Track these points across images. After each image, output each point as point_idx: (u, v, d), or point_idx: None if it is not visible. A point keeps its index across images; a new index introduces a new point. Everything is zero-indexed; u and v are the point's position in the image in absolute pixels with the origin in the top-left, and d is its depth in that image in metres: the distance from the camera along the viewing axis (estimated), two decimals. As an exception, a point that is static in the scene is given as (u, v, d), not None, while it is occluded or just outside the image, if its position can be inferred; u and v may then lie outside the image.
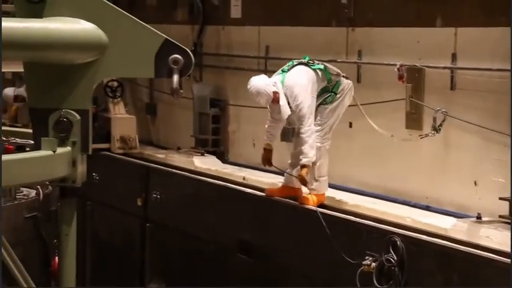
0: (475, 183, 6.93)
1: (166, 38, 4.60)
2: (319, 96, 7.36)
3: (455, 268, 6.09)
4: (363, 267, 6.56)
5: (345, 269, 6.77)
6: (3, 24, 4.34)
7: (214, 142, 10.10)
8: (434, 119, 7.04)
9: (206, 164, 9.47)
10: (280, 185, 7.81)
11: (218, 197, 8.65)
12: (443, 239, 6.35)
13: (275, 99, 7.20)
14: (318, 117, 7.36)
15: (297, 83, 7.25)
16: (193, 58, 4.62)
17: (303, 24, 8.78)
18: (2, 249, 4.48)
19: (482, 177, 6.89)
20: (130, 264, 10.00)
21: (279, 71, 7.48)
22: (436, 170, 7.38)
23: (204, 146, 10.06)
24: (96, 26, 4.55)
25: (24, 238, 5.08)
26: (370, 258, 6.56)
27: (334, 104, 7.42)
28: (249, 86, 7.29)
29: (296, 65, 7.38)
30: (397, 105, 7.60)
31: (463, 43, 7.09)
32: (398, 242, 6.41)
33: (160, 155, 10.29)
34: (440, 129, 7.01)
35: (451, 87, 7.19)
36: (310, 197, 7.41)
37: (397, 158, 7.75)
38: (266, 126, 7.56)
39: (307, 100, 7.20)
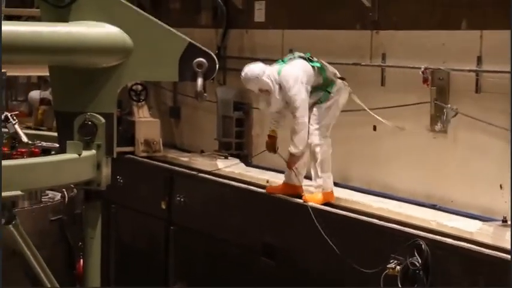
0: (501, 187, 6.88)
1: (191, 42, 4.61)
2: (312, 93, 7.58)
3: (481, 272, 6.04)
4: (387, 271, 6.54)
5: (369, 273, 6.74)
6: (30, 28, 4.38)
7: (238, 145, 10.10)
8: (445, 114, 7.09)
9: (230, 167, 9.48)
10: (289, 183, 7.91)
11: (241, 200, 8.65)
12: (468, 243, 6.31)
13: (268, 90, 7.44)
14: (315, 116, 7.56)
15: (293, 75, 7.47)
16: (217, 61, 4.62)
17: (326, 28, 8.76)
18: (28, 252, 4.52)
19: (508, 180, 6.81)
20: (154, 267, 10.02)
21: (279, 60, 7.71)
22: (461, 173, 7.33)
23: (228, 149, 10.07)
24: (121, 30, 4.58)
25: (50, 241, 5.10)
26: (395, 262, 6.53)
27: (328, 103, 7.61)
28: (243, 72, 7.55)
29: (297, 57, 7.60)
30: (421, 108, 7.56)
31: (488, 46, 7.04)
32: (423, 246, 6.38)
33: (184, 158, 10.31)
34: (448, 123, 7.11)
35: (476, 90, 7.15)
36: (313, 195, 7.56)
37: (422, 161, 7.71)
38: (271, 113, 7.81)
39: (301, 93, 7.43)
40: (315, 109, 7.59)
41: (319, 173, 7.59)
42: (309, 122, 7.55)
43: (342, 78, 7.66)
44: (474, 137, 7.16)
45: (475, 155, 7.19)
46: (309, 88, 7.55)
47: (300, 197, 7.70)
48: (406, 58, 7.78)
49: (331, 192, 7.69)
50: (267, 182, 8.69)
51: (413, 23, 7.78)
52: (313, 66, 7.58)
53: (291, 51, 8.27)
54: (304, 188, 7.84)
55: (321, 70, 7.60)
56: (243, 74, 7.56)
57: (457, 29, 7.31)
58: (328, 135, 7.66)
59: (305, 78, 7.50)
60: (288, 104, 7.49)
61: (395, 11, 8.01)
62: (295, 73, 7.50)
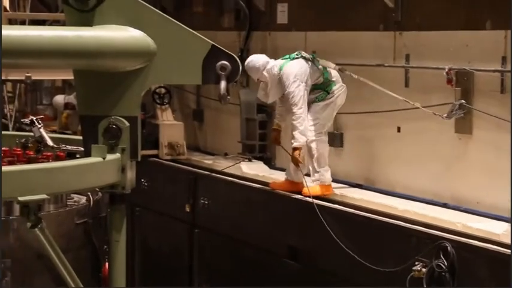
0: (527, 188, 6.81)
1: (214, 45, 4.62)
2: (312, 92, 7.92)
3: (507, 274, 5.98)
4: (413, 273, 6.50)
5: (395, 275, 6.71)
6: (54, 32, 4.41)
7: (261, 148, 10.10)
8: (454, 106, 7.17)
9: (253, 169, 9.47)
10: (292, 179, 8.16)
11: (265, 202, 8.64)
12: (495, 244, 6.26)
13: (265, 82, 7.91)
14: (311, 114, 7.89)
15: (293, 72, 7.86)
16: (240, 64, 4.62)
17: (349, 29, 8.74)
18: (54, 255, 4.54)
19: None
20: (178, 270, 10.04)
21: (286, 56, 8.05)
22: (487, 174, 7.27)
23: (251, 152, 10.06)
24: (145, 34, 4.59)
25: (75, 244, 5.12)
26: (421, 264, 6.49)
27: (326, 102, 7.91)
28: (247, 61, 8.01)
29: (301, 57, 7.93)
30: (445, 109, 7.51)
31: (513, 46, 6.98)
32: (449, 248, 6.33)
33: (208, 160, 10.32)
34: (451, 117, 7.20)
35: (501, 90, 7.09)
36: (311, 188, 7.83)
37: (446, 162, 7.66)
38: (276, 108, 8.24)
39: (299, 91, 7.76)
40: (312, 107, 7.92)
41: (317, 168, 7.93)
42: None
43: (341, 70, 8.01)
44: (499, 138, 7.09)
45: (501, 156, 7.12)
46: (309, 87, 7.89)
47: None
48: (430, 59, 7.74)
49: (329, 185, 8.02)
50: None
51: (437, 23, 7.74)
52: (316, 66, 7.91)
53: (314, 52, 8.30)
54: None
55: (323, 71, 7.94)
56: (246, 62, 8.00)
57: (482, 29, 7.25)
58: (324, 133, 7.97)
59: (304, 77, 7.83)
60: (286, 99, 7.87)
61: (418, 11, 7.97)
62: (295, 71, 7.86)
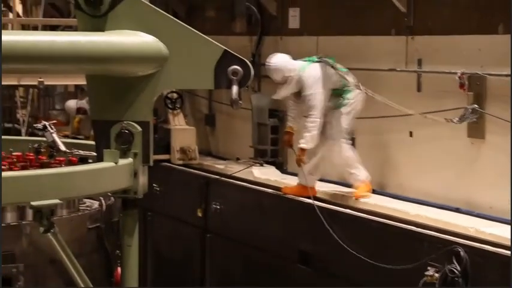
0: (540, 193, 6.78)
1: (226, 49, 4.62)
2: (332, 98, 7.96)
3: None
4: (425, 278, 6.48)
5: (407, 279, 6.68)
6: (67, 38, 4.42)
7: (273, 152, 10.10)
8: (466, 110, 7.14)
9: (265, 174, 9.47)
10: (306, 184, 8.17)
11: (277, 207, 8.63)
12: (508, 250, 6.22)
13: (286, 80, 7.92)
14: (335, 120, 7.92)
15: (314, 75, 7.90)
16: (252, 69, 4.62)
17: (361, 33, 8.73)
18: (66, 260, 4.55)
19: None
20: (190, 275, 10.04)
21: (307, 58, 8.09)
22: (500, 178, 7.24)
23: (263, 157, 10.06)
24: (156, 39, 4.60)
25: (88, 249, 5.13)
26: (433, 269, 6.47)
27: (348, 108, 7.92)
28: (269, 60, 8.05)
29: (322, 61, 7.97)
30: (458, 114, 7.48)
31: (526, 50, 6.95)
32: (461, 253, 6.31)
33: (220, 165, 10.33)
34: (464, 121, 7.19)
35: (514, 94, 7.06)
36: (359, 189, 7.88)
37: (458, 166, 7.64)
38: (288, 110, 8.27)
39: (318, 94, 7.84)
40: (335, 113, 7.94)
41: (351, 170, 7.93)
42: (325, 125, 7.89)
43: (358, 87, 7.96)
44: (512, 142, 7.06)
45: (514, 161, 7.09)
46: (328, 91, 7.93)
47: (338, 203, 7.79)
48: (442, 63, 7.72)
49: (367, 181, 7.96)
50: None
51: (449, 28, 7.72)
52: (336, 71, 7.93)
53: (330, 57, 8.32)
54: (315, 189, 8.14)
55: (342, 76, 7.94)
56: (271, 64, 8.04)
57: (494, 34, 7.23)
58: (347, 137, 7.98)
59: (325, 82, 7.90)
60: (303, 101, 7.93)
61: (430, 16, 7.95)
62: (317, 74, 7.92)
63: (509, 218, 7.04)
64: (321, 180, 8.46)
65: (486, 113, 7.24)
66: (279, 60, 8.06)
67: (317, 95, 7.83)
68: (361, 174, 7.95)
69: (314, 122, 7.80)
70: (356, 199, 7.88)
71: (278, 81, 8.03)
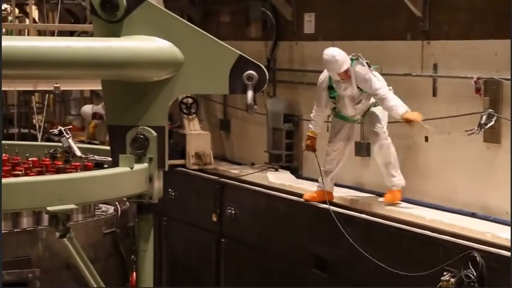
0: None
1: (241, 55, 4.62)
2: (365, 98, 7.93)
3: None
4: (441, 283, 6.46)
5: (424, 285, 6.65)
6: (83, 43, 4.44)
7: (288, 157, 10.09)
8: (481, 118, 7.11)
9: (280, 179, 9.47)
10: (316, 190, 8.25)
11: (292, 212, 8.62)
12: (524, 255, 6.19)
13: (347, 75, 7.75)
14: (377, 117, 7.86)
15: (365, 70, 7.83)
16: (267, 74, 4.62)
17: (377, 38, 8.72)
18: (82, 265, 4.56)
19: None
20: (205, 279, 10.05)
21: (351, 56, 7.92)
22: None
23: (278, 161, 10.06)
24: (172, 44, 4.61)
25: (103, 254, 5.13)
26: (449, 274, 6.45)
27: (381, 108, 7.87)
28: (327, 52, 7.83)
29: (359, 59, 7.88)
30: (474, 118, 7.45)
31: (542, 54, 6.92)
32: (477, 258, 6.28)
33: (235, 170, 10.33)
34: (484, 128, 7.12)
35: (530, 99, 7.03)
36: (390, 195, 7.79)
37: (475, 171, 7.60)
38: (312, 114, 8.16)
39: (375, 77, 7.82)
40: (373, 111, 7.92)
41: (394, 173, 7.79)
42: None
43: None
44: (529, 147, 7.03)
45: (530, 165, 7.06)
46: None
47: (353, 208, 7.76)
48: (458, 68, 7.69)
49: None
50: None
51: (465, 32, 7.69)
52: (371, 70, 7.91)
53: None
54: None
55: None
56: (328, 55, 7.79)
57: (510, 38, 7.19)
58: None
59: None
60: (365, 89, 7.83)
61: (446, 20, 7.93)
62: (366, 68, 7.84)
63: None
64: (336, 185, 8.45)
65: (502, 117, 7.20)
66: (339, 52, 7.82)
67: (374, 78, 7.75)
68: (401, 179, 7.83)
69: (386, 92, 7.64)
70: (386, 203, 7.79)
71: (341, 74, 7.78)
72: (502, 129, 7.29)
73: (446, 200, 7.86)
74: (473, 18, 7.62)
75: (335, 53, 7.79)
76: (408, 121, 7.51)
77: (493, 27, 7.42)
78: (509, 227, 7.02)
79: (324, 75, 8.07)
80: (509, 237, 6.57)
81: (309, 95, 9.78)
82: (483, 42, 7.48)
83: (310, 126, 8.21)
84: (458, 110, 7.62)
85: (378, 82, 7.77)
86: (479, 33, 7.54)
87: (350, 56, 7.91)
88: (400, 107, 7.57)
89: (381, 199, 8.04)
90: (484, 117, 7.14)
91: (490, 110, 7.21)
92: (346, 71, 7.77)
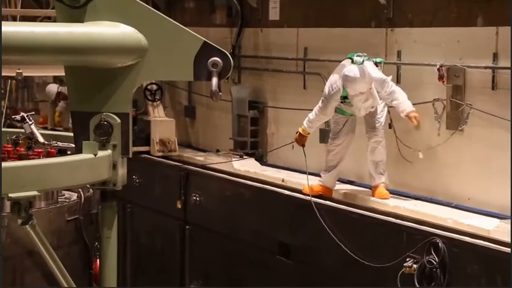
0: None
1: (205, 41, 4.61)
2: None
3: (498, 269, 6.01)
4: (404, 269, 6.52)
5: (386, 271, 6.72)
6: (46, 29, 4.40)
7: (253, 144, 10.10)
8: (461, 112, 7.11)
9: (245, 166, 9.48)
10: (316, 184, 7.97)
11: (257, 199, 8.64)
12: (485, 241, 6.27)
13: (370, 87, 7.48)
14: (369, 116, 7.72)
15: (379, 73, 7.60)
16: (232, 61, 4.62)
17: (341, 26, 8.74)
18: (45, 252, 4.53)
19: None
20: (170, 267, 10.04)
21: (354, 57, 7.60)
22: (478, 170, 7.29)
23: (243, 148, 10.06)
24: (136, 30, 4.58)
25: (66, 241, 5.11)
26: (412, 260, 6.51)
27: (382, 104, 7.73)
28: (351, 71, 7.38)
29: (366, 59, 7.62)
30: (437, 106, 7.52)
31: (504, 42, 6.99)
32: (439, 244, 6.35)
33: (200, 157, 10.31)
34: (467, 122, 7.14)
35: (493, 87, 7.10)
36: (379, 192, 7.65)
37: (438, 158, 7.67)
38: (311, 116, 7.73)
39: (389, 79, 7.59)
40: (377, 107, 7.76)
41: (383, 171, 7.70)
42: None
43: None
44: (491, 134, 7.11)
45: (492, 152, 7.14)
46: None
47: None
48: (421, 55, 7.75)
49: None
50: (282, 180, 8.68)
51: (429, 19, 7.74)
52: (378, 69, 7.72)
53: (305, 50, 8.23)
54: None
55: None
56: (357, 74, 7.38)
57: (473, 26, 7.26)
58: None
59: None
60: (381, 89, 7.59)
61: (410, 8, 7.97)
62: (375, 69, 7.62)
63: (487, 210, 7.10)
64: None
65: (464, 104, 7.27)
66: (362, 70, 7.42)
67: (383, 77, 7.55)
68: (387, 177, 7.76)
69: (396, 88, 7.51)
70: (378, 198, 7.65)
71: (364, 91, 7.45)
72: (464, 116, 7.36)
73: (409, 186, 7.92)
74: (437, 6, 7.67)
75: (360, 72, 7.39)
76: (415, 119, 7.44)
77: (456, 15, 7.48)
78: (471, 213, 7.13)
79: (336, 85, 7.55)
80: (473, 224, 6.66)
81: (274, 82, 9.79)
82: (446, 29, 7.54)
83: (305, 125, 7.77)
84: (421, 97, 7.68)
85: (390, 81, 7.58)
86: (442, 21, 7.59)
87: (357, 57, 7.60)
88: (409, 106, 7.48)
89: (349, 187, 8.04)
90: (464, 110, 7.17)
91: (452, 98, 7.26)
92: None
